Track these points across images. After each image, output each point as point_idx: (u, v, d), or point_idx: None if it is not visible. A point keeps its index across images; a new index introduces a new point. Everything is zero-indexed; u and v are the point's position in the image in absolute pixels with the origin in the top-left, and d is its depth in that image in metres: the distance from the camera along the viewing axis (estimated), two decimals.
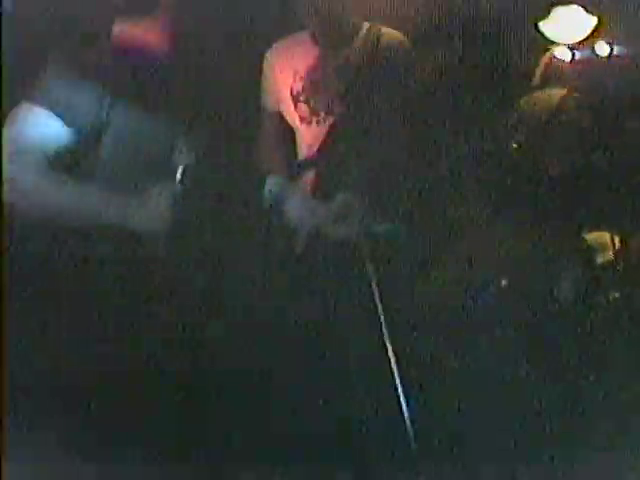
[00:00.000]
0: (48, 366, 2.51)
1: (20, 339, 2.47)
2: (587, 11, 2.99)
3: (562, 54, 3.03)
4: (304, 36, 3.02)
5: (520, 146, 2.93)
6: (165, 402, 2.59)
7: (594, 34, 3.01)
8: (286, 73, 2.99)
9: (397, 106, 2.89)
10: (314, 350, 2.69)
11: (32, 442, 2.48)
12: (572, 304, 2.91)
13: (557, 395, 2.80)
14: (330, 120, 2.95)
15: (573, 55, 3.01)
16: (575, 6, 2.99)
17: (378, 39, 2.92)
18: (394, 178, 2.85)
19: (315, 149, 2.97)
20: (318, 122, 2.96)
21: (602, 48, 3.01)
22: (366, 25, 2.99)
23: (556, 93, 2.96)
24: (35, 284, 2.49)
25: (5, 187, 2.40)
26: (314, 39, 3.01)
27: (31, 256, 2.47)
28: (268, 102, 3.04)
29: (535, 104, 2.97)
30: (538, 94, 3.00)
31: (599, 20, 3.00)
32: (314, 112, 2.96)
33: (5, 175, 2.41)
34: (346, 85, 2.91)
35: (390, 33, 2.95)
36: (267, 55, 3.02)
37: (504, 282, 2.91)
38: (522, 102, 2.99)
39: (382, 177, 2.84)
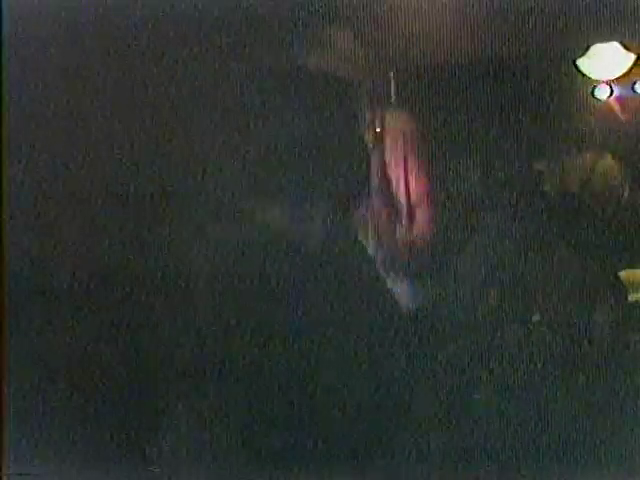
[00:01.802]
0: None
1: None
2: (625, 48, 2.98)
3: (600, 91, 3.03)
4: None
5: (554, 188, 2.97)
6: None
7: (632, 71, 3.00)
8: None
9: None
10: None
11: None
12: (604, 341, 2.94)
13: (586, 432, 2.85)
14: None
15: (611, 92, 3.01)
16: (614, 43, 2.98)
17: None
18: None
19: None
20: None
21: None
22: None
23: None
24: None
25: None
26: None
27: None
28: None
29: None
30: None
31: (638, 57, 2.99)
32: None
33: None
34: None
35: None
36: None
37: (535, 317, 2.96)
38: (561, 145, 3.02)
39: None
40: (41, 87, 2.91)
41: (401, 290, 2.97)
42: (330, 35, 3.05)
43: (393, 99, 3.06)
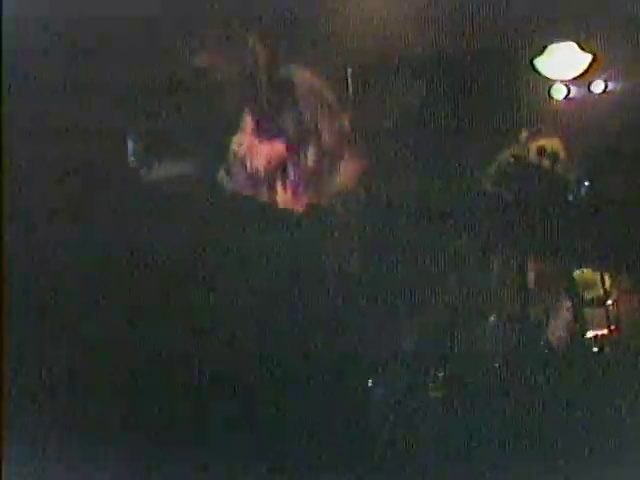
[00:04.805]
0: None
1: None
2: (581, 48, 3.00)
3: (557, 91, 3.03)
4: None
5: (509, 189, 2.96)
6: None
7: (589, 71, 3.01)
8: None
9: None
10: None
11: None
12: (560, 340, 2.94)
13: (543, 433, 2.83)
14: None
15: (568, 91, 3.02)
16: (570, 43, 2.99)
17: None
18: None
19: None
20: None
21: (597, 85, 3.02)
22: None
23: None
24: None
25: None
26: None
27: None
28: None
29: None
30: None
31: (594, 57, 3.00)
32: None
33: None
34: None
35: None
36: None
37: (492, 318, 2.95)
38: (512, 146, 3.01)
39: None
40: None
41: None
42: None
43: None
